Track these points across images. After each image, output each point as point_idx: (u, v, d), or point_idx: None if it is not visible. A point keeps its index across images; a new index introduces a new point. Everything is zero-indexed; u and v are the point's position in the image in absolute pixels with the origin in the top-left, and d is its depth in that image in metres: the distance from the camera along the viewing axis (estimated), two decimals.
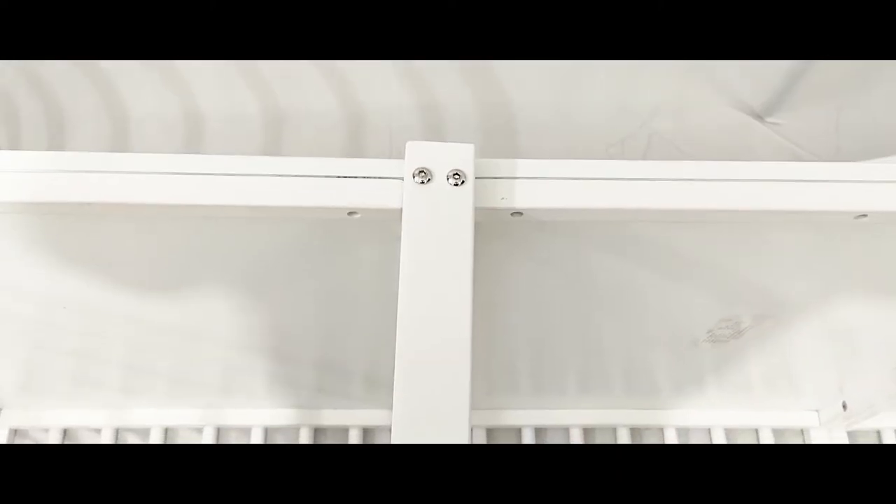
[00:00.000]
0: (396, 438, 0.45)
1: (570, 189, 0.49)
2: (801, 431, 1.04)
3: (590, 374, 0.91)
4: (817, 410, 1.03)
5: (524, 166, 0.49)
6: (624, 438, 1.03)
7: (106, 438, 1.00)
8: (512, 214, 0.49)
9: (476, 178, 0.48)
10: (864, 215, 0.50)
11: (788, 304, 0.68)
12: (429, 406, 0.45)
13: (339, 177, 0.48)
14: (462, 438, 0.44)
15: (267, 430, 1.01)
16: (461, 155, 0.48)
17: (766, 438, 1.03)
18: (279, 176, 0.48)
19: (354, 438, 1.01)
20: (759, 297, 0.67)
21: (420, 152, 0.47)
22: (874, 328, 0.76)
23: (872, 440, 1.05)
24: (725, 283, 0.65)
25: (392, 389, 0.45)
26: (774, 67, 0.93)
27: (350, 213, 0.49)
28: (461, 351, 0.45)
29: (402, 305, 0.46)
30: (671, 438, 1.03)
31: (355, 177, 0.48)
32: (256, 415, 1.00)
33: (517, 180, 0.49)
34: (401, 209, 0.48)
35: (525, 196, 0.49)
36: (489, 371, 0.89)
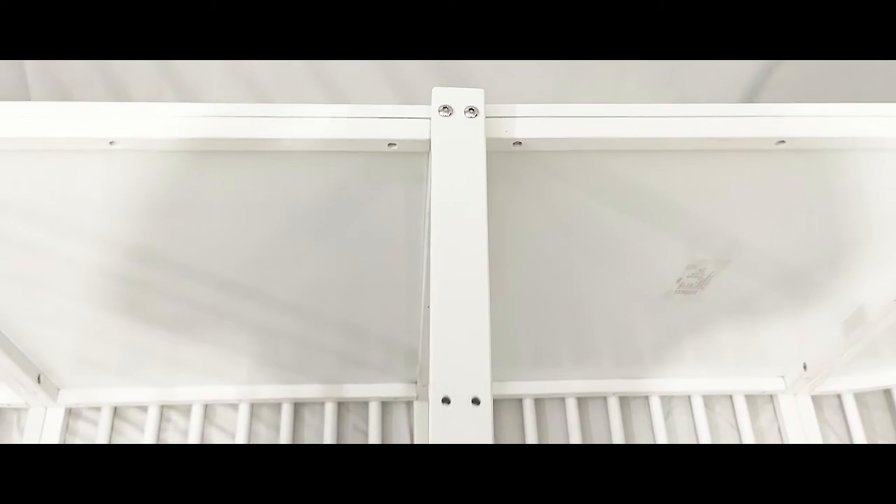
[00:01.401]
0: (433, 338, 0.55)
1: (556, 124, 0.64)
2: (771, 397, 1.18)
3: (580, 338, 1.04)
4: (783, 376, 1.16)
5: (522, 108, 0.64)
6: (614, 406, 1.15)
7: (152, 415, 1.12)
8: (514, 144, 0.64)
9: (486, 116, 0.63)
10: (783, 141, 0.65)
11: (742, 245, 0.82)
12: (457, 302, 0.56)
13: (381, 117, 0.63)
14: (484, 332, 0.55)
15: (296, 405, 1.14)
16: (474, 95, 0.63)
17: (740, 403, 1.16)
18: (338, 118, 0.63)
19: (374, 411, 1.13)
20: (718, 238, 0.81)
21: (443, 94, 0.63)
22: (821, 275, 0.90)
23: (835, 404, 1.18)
24: (688, 226, 0.79)
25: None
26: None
27: (390, 145, 0.63)
28: (480, 248, 0.58)
29: (434, 215, 0.60)
30: (655, 405, 1.16)
31: (393, 117, 0.64)
32: (285, 390, 1.12)
33: (517, 118, 0.64)
34: (429, 140, 0.63)
35: (523, 129, 0.64)
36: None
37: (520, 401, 1.15)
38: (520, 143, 0.64)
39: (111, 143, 0.62)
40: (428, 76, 1.08)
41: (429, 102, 0.64)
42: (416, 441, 1.12)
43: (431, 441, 0.52)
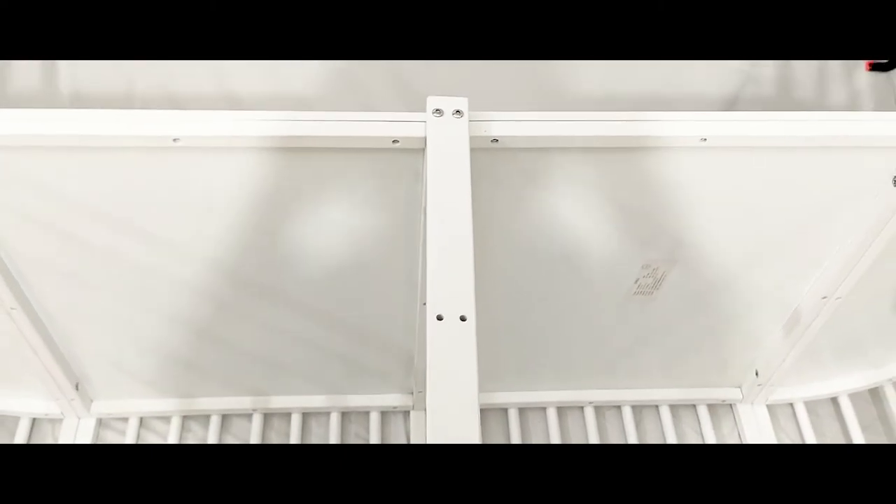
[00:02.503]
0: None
1: (525, 125, 0.81)
2: (731, 406, 1.31)
3: (556, 345, 1.18)
4: (739, 386, 1.30)
5: (498, 114, 0.82)
6: (590, 415, 1.28)
7: (174, 425, 1.24)
8: (492, 141, 0.81)
9: (469, 120, 0.80)
10: (705, 139, 0.82)
11: (686, 244, 0.98)
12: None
13: (388, 121, 0.80)
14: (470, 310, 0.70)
15: (304, 415, 1.26)
16: (460, 102, 0.80)
17: (703, 412, 1.30)
18: (353, 121, 0.80)
19: (374, 420, 1.26)
20: (665, 238, 0.97)
21: (435, 100, 0.80)
22: (757, 276, 1.05)
23: (788, 413, 1.31)
24: (639, 225, 0.95)
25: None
26: None
27: (394, 141, 0.80)
28: (465, 210, 0.74)
29: (429, 193, 0.76)
30: (627, 414, 1.29)
31: (397, 120, 0.81)
32: (294, 400, 1.25)
33: (494, 121, 0.81)
34: (424, 137, 0.79)
35: (499, 129, 0.81)
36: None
37: (505, 410, 1.28)
38: (496, 140, 0.81)
39: (175, 140, 0.79)
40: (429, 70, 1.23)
41: (424, 109, 0.81)
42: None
43: (429, 353, 0.66)
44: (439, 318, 0.67)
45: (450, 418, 0.63)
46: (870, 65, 1.40)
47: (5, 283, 0.96)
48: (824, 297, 1.06)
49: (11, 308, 1.00)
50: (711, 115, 0.83)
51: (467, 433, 0.62)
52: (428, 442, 0.62)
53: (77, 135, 0.79)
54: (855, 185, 0.91)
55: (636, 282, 1.05)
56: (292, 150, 0.82)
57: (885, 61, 1.38)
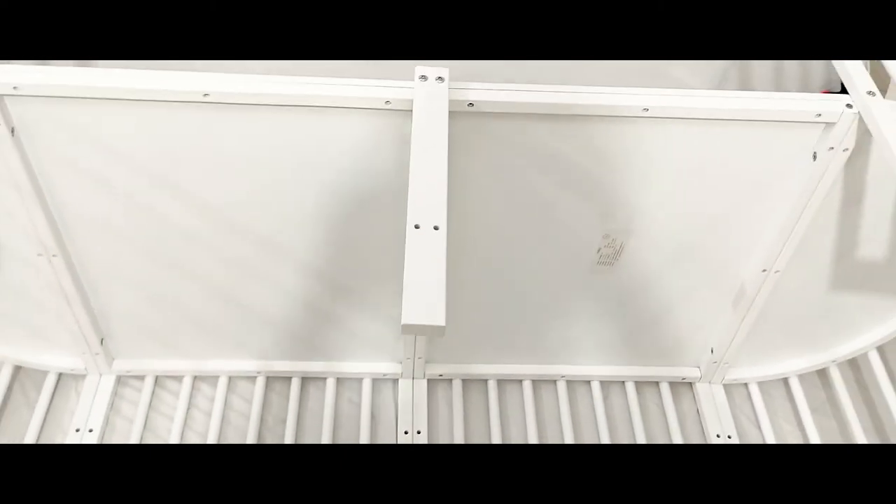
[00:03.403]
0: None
1: (497, 93, 0.97)
2: (691, 385, 1.43)
3: (531, 317, 1.32)
4: (698, 366, 1.42)
5: (474, 83, 0.98)
6: (562, 388, 1.41)
7: (186, 385, 1.38)
8: (468, 105, 0.97)
9: (449, 86, 0.96)
10: (647, 108, 0.98)
11: (641, 214, 1.13)
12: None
13: (381, 86, 0.97)
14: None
15: (303, 380, 1.40)
16: (442, 70, 0.96)
17: (665, 389, 1.42)
18: (355, 86, 0.97)
19: (366, 387, 1.39)
20: (622, 207, 1.12)
21: (420, 68, 0.96)
22: (706, 250, 1.20)
23: (743, 393, 1.44)
24: (599, 194, 1.10)
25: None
26: None
27: (386, 102, 0.96)
28: (441, 154, 0.89)
29: (413, 139, 0.91)
30: (596, 389, 1.41)
31: (389, 86, 0.97)
32: (295, 365, 1.38)
33: (470, 89, 0.97)
34: (412, 99, 0.95)
35: (475, 95, 0.97)
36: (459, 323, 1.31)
37: (485, 381, 1.41)
38: (472, 104, 0.97)
39: (205, 94, 0.95)
40: None
41: (413, 77, 0.97)
42: (400, 409, 1.37)
43: (407, 254, 0.81)
44: (416, 226, 0.82)
45: (421, 303, 0.77)
46: (824, 91, 1.57)
47: (50, 230, 1.11)
48: (764, 271, 1.20)
49: (53, 255, 1.15)
50: (652, 90, 0.99)
51: (436, 317, 0.76)
52: (402, 322, 0.76)
53: (118, 87, 0.95)
54: (782, 160, 1.06)
55: (598, 251, 1.20)
56: (304, 109, 0.98)
57: (838, 90, 1.55)
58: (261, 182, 1.07)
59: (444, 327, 0.75)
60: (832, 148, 1.02)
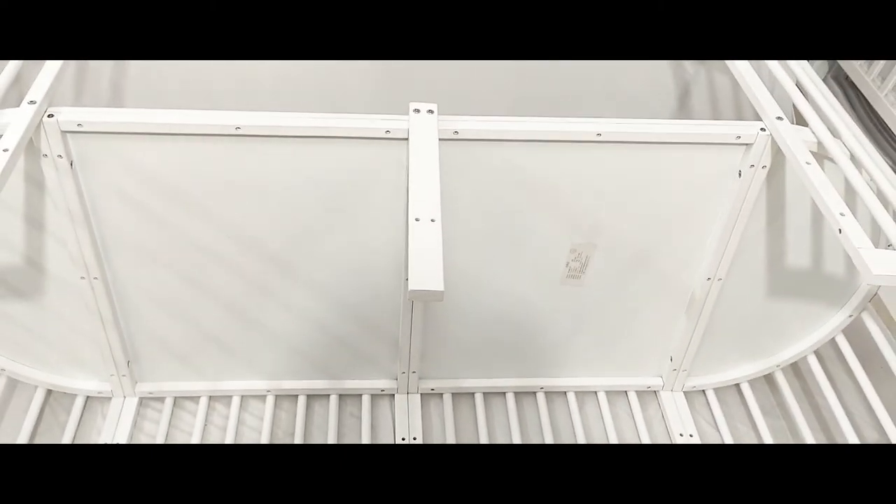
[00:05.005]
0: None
1: (477, 123, 1.19)
2: (655, 393, 1.61)
3: (511, 332, 1.49)
4: (661, 375, 1.60)
5: (458, 116, 1.19)
6: (542, 400, 1.57)
7: (202, 405, 1.52)
8: (454, 133, 1.18)
9: (438, 118, 1.18)
10: (600, 134, 1.20)
11: (602, 228, 1.33)
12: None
13: (382, 119, 1.18)
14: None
15: (308, 397, 1.55)
16: (432, 105, 1.18)
17: (633, 398, 1.60)
18: (359, 118, 1.17)
19: (366, 402, 1.54)
20: (585, 222, 1.32)
21: (415, 104, 1.18)
22: (660, 262, 1.39)
23: (702, 400, 1.61)
24: (565, 210, 1.30)
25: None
26: None
27: (386, 132, 1.17)
28: (433, 167, 1.10)
29: (410, 170, 1.11)
30: (572, 399, 1.58)
31: (388, 119, 1.18)
32: (301, 384, 1.54)
33: (457, 119, 1.18)
34: (408, 128, 1.16)
35: (459, 125, 1.18)
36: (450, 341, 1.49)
37: (472, 395, 1.58)
38: (457, 132, 1.18)
39: (237, 128, 1.15)
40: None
41: (407, 112, 1.19)
42: (397, 420, 1.52)
43: (410, 241, 1.00)
44: (417, 219, 1.01)
45: (424, 275, 0.95)
46: None
47: (93, 253, 1.28)
48: (709, 279, 1.40)
49: (94, 277, 1.32)
50: (602, 120, 1.21)
51: (436, 284, 0.94)
52: (409, 289, 0.94)
53: (165, 123, 1.15)
54: (714, 177, 1.28)
55: (567, 265, 1.39)
56: (317, 140, 1.18)
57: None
58: (278, 205, 1.26)
59: (442, 292, 0.94)
60: (752, 166, 1.24)
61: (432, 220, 1.02)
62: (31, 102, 1.11)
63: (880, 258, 0.96)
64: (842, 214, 1.03)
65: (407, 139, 1.17)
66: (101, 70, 1.51)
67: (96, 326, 1.39)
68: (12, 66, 1.22)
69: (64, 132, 1.14)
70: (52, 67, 1.21)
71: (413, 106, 1.18)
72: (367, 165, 1.22)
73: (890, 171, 1.17)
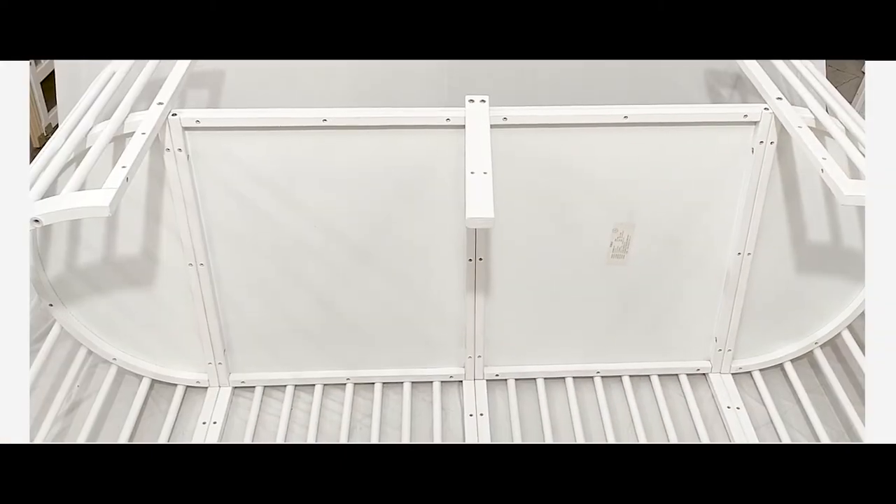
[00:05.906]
0: None
1: (522, 110, 1.39)
2: (704, 375, 1.72)
3: (567, 320, 1.64)
4: (709, 359, 1.72)
5: (505, 107, 1.40)
6: (599, 384, 1.70)
7: (288, 394, 1.70)
8: (503, 119, 1.39)
9: (489, 107, 1.39)
10: (626, 116, 1.39)
11: (640, 207, 1.50)
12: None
13: (443, 109, 1.40)
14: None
15: (384, 384, 1.71)
16: (484, 97, 1.40)
17: (684, 380, 1.71)
18: (422, 108, 1.40)
19: (436, 388, 1.70)
20: (622, 203, 1.49)
21: (470, 96, 1.40)
22: (693, 245, 1.55)
23: (749, 381, 1.71)
24: (604, 192, 1.48)
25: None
26: None
27: (447, 120, 1.39)
28: (486, 154, 1.30)
29: (467, 147, 1.32)
30: (627, 383, 1.70)
31: (447, 107, 1.40)
32: (378, 372, 1.71)
33: (504, 107, 1.40)
34: (465, 116, 1.38)
35: (507, 112, 1.39)
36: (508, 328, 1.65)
37: (534, 380, 1.71)
38: (506, 118, 1.39)
39: (324, 120, 1.39)
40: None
41: (463, 104, 1.40)
42: (466, 406, 1.66)
43: (467, 188, 1.19)
44: (472, 172, 1.21)
45: (479, 206, 1.14)
46: None
47: (200, 239, 1.50)
48: (739, 254, 1.54)
49: (200, 264, 1.53)
50: (628, 106, 1.41)
51: (488, 212, 1.13)
52: (467, 217, 1.13)
53: (261, 118, 1.39)
54: (731, 154, 1.45)
55: (611, 245, 1.56)
56: (389, 129, 1.40)
57: None
58: (357, 193, 1.48)
59: (493, 218, 1.13)
60: (762, 142, 1.41)
61: (484, 173, 1.21)
62: (160, 104, 1.37)
63: (852, 184, 1.14)
64: (823, 158, 1.21)
65: (464, 126, 1.39)
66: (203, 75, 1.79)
67: (199, 312, 1.59)
68: (143, 75, 1.48)
69: (184, 128, 1.39)
70: (177, 73, 1.48)
71: (468, 97, 1.41)
72: (431, 153, 1.43)
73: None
